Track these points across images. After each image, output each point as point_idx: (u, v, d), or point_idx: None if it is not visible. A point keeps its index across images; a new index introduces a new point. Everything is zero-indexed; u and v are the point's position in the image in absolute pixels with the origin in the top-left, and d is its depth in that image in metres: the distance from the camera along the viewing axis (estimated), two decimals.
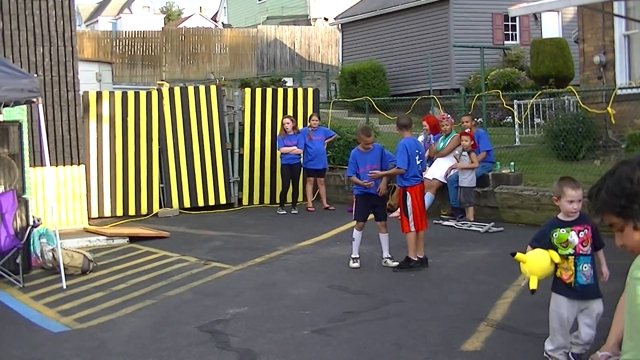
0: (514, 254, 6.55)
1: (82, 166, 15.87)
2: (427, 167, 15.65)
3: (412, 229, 11.12)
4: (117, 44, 36.38)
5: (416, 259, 11.13)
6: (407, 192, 11.15)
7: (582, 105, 16.54)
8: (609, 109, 15.88)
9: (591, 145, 16.69)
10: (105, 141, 17.27)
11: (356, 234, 11.55)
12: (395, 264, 11.29)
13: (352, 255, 11.53)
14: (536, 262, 6.56)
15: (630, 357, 2.56)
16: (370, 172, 11.48)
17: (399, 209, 11.82)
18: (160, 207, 17.76)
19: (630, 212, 2.89)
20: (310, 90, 19.94)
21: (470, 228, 14.12)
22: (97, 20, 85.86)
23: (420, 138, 15.74)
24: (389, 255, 11.49)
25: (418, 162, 11.25)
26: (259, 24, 41.81)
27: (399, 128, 11.62)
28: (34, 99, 11.20)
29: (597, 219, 3.03)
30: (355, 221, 11.68)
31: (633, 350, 2.56)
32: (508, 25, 31.13)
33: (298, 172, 17.69)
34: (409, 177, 11.17)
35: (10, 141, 12.36)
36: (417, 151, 11.26)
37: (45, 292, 10.84)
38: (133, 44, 36.62)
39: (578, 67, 19.71)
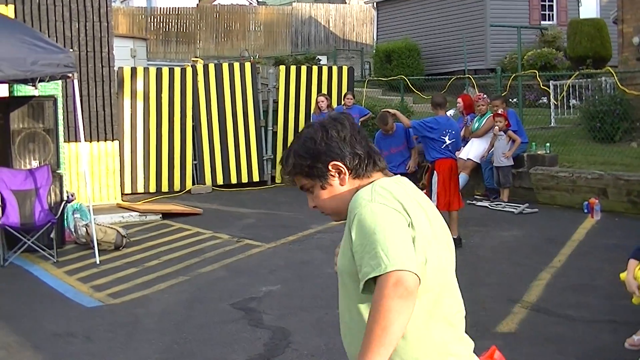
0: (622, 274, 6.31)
1: (116, 142, 15.90)
2: (462, 147, 15.58)
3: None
4: (152, 20, 36.35)
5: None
6: (435, 170, 11.09)
7: (619, 86, 16.34)
8: None
9: (628, 127, 16.49)
10: (139, 117, 17.30)
11: None
12: None
13: None
14: None
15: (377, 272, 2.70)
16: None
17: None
18: (193, 184, 17.78)
19: (316, 171, 3.05)
20: (345, 69, 19.86)
21: (505, 209, 14.01)
22: None
23: (450, 112, 15.50)
24: None
25: (449, 141, 11.11)
26: (294, 1, 41.64)
27: (433, 107, 11.59)
28: (69, 74, 11.22)
29: (290, 182, 3.20)
30: None
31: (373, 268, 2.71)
32: (545, 5, 30.79)
33: None
34: (434, 155, 11.11)
35: (45, 116, 12.40)
36: (448, 130, 11.15)
37: (79, 267, 10.90)
38: (167, 20, 36.57)
39: (616, 48, 19.47)
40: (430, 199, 11.05)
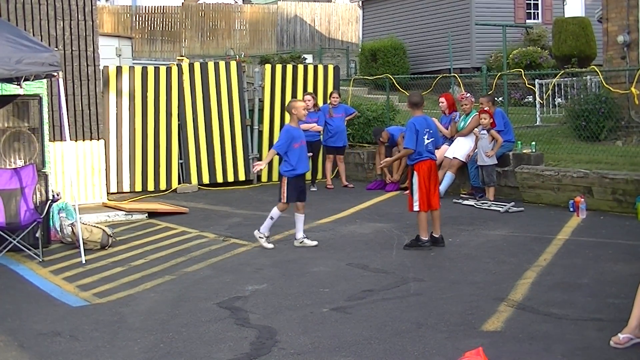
0: None
1: (102, 141, 15.85)
2: (447, 146, 15.60)
3: (416, 208, 11.03)
4: (137, 19, 36.25)
5: (426, 239, 11.04)
6: (414, 171, 11.07)
7: (604, 85, 16.39)
8: (632, 89, 15.73)
9: (613, 125, 16.56)
10: (124, 116, 17.26)
11: (277, 213, 11.55)
12: (314, 243, 11.44)
13: (267, 234, 11.59)
14: None
15: None
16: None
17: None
18: (179, 183, 17.76)
19: None
20: (330, 68, 19.85)
21: (490, 208, 14.04)
22: None
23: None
24: (304, 236, 11.59)
25: (428, 141, 11.09)
26: (279, 0, 41.63)
27: (410, 106, 11.48)
28: (54, 73, 11.18)
29: None
30: (285, 203, 11.53)
31: None
32: (530, 3, 30.89)
33: (318, 150, 17.61)
34: (415, 157, 11.09)
35: (30, 115, 12.35)
36: (427, 130, 11.12)
37: (65, 267, 10.86)
38: (153, 19, 36.49)
39: (601, 46, 19.56)
40: (412, 200, 11.08)
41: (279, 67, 19.30)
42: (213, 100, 18.15)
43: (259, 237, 11.54)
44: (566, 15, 29.08)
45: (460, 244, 11.31)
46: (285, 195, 11.45)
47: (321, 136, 17.51)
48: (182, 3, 38.15)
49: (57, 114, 14.63)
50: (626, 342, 6.75)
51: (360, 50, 32.40)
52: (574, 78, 19.36)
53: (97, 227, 12.17)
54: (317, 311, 8.22)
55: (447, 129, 15.94)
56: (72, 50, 15.37)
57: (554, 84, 18.65)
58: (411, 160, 11.15)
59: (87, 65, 15.56)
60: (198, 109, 17.97)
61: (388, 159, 11.91)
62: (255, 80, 19.30)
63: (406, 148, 11.14)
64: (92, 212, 14.42)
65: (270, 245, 11.47)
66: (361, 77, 27.20)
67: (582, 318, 7.62)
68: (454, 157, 15.34)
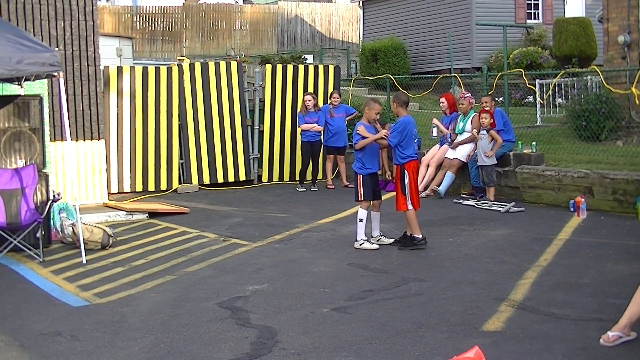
0: None
1: (102, 141, 15.84)
2: (448, 146, 15.61)
3: (409, 207, 11.07)
4: (138, 19, 36.25)
5: (420, 236, 11.07)
6: (405, 170, 11.09)
7: (605, 85, 16.37)
8: (633, 89, 15.71)
9: (614, 125, 16.55)
10: (125, 116, 17.26)
11: (363, 212, 11.34)
12: (390, 241, 11.39)
13: (364, 237, 11.36)
14: None
15: None
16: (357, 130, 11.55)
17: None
18: (180, 183, 17.75)
19: None
20: (331, 68, 19.84)
21: (491, 208, 14.04)
22: None
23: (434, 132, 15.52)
24: (381, 233, 11.57)
25: (415, 141, 11.24)
26: (280, 0, 41.62)
27: (402, 105, 11.44)
28: (55, 73, 11.17)
29: None
30: (364, 201, 11.37)
31: None
32: (531, 3, 30.90)
33: (318, 150, 17.62)
34: (406, 155, 11.12)
35: (31, 115, 12.34)
36: (414, 129, 11.27)
37: (65, 267, 10.86)
38: (153, 19, 36.50)
39: (601, 46, 19.54)
40: (405, 200, 11.09)
41: (279, 67, 19.29)
42: (214, 101, 18.14)
43: (361, 244, 11.26)
44: (567, 16, 29.08)
45: (460, 244, 11.31)
46: (362, 192, 11.38)
47: (322, 136, 17.52)
48: (183, 3, 38.15)
49: (58, 114, 14.63)
50: (615, 339, 6.75)
51: (360, 50, 32.40)
52: (575, 78, 19.36)
53: (98, 227, 12.17)
54: (318, 311, 8.22)
55: (447, 129, 15.94)
56: (72, 50, 15.36)
57: (555, 84, 18.64)
58: (402, 158, 11.14)
59: (88, 65, 15.55)
60: (199, 109, 17.97)
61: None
62: (256, 80, 19.29)
63: (390, 142, 11.21)
64: (92, 212, 14.42)
65: (376, 246, 11.27)
66: (362, 77, 27.20)
67: (582, 318, 7.62)
68: (454, 158, 15.34)
